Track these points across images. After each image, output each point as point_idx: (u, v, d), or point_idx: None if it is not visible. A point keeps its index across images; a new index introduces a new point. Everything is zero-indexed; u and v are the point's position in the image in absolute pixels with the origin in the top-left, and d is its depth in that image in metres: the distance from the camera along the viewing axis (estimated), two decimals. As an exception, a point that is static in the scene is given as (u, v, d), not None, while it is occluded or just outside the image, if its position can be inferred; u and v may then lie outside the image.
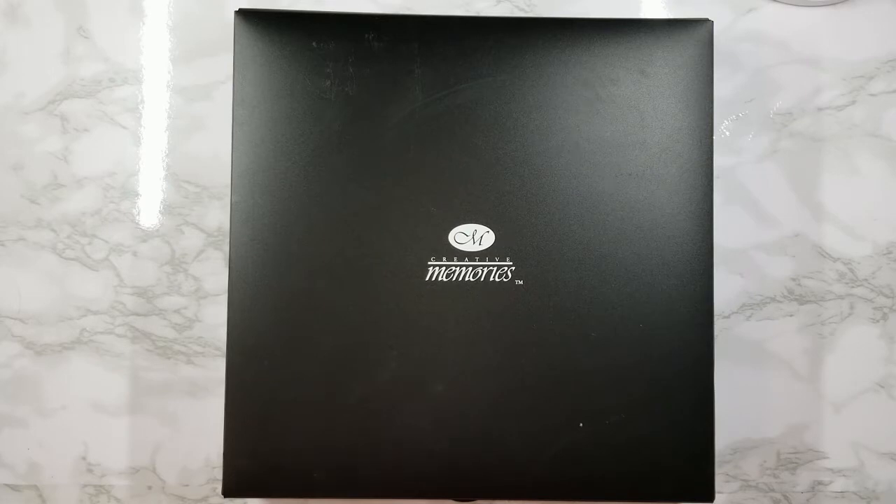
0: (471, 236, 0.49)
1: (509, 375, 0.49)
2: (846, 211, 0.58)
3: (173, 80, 0.58)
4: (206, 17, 0.58)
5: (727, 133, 0.58)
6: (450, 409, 0.49)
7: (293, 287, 0.49)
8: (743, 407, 0.57)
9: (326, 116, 0.49)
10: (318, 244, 0.49)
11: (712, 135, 0.50)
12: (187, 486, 0.57)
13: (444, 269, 0.49)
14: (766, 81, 0.58)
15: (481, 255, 0.49)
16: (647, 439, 0.49)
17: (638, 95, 0.50)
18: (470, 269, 0.49)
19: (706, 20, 0.50)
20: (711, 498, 0.49)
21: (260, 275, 0.49)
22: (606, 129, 0.50)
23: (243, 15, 0.50)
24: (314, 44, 0.50)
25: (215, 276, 0.57)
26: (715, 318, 0.54)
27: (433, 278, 0.49)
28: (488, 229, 0.49)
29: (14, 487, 0.57)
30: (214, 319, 0.57)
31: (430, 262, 0.49)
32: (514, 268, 0.49)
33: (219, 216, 0.57)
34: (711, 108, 0.50)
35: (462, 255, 0.49)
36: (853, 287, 0.58)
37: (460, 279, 0.49)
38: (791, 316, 0.57)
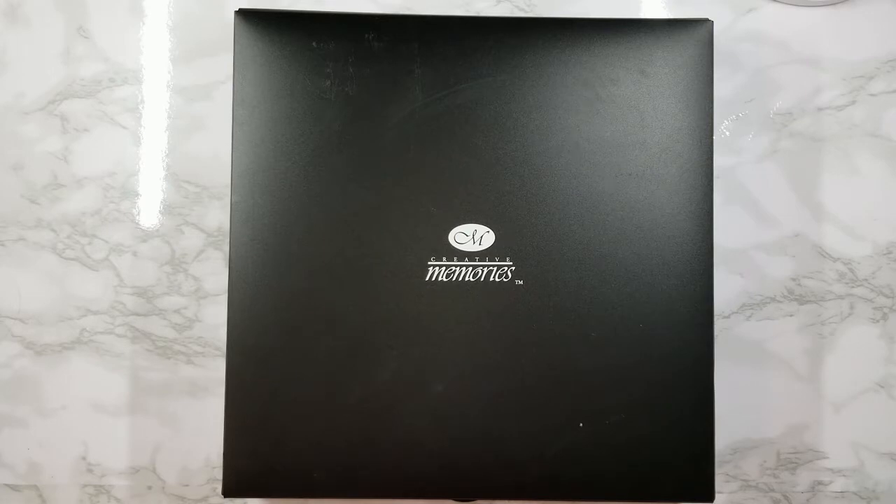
0: (471, 236, 0.49)
1: (509, 375, 0.49)
2: (846, 211, 0.58)
3: (173, 80, 0.58)
4: (206, 17, 0.58)
5: (727, 133, 0.58)
6: (450, 409, 0.49)
7: (293, 287, 0.49)
8: (743, 407, 0.57)
9: (326, 116, 0.49)
10: (318, 244, 0.49)
11: (712, 135, 0.50)
12: (187, 486, 0.57)
13: (444, 269, 0.49)
14: (766, 81, 0.58)
15: (481, 255, 0.49)
16: (647, 439, 0.49)
17: (638, 95, 0.50)
18: (470, 269, 0.49)
19: (706, 20, 0.50)
20: (711, 498, 0.49)
21: (260, 275, 0.49)
22: (606, 129, 0.50)
23: (243, 15, 0.50)
24: (314, 44, 0.50)
25: (215, 276, 0.57)
26: (715, 318, 0.54)
27: (433, 278, 0.49)
28: (488, 229, 0.49)
29: (14, 487, 0.57)
30: (214, 319, 0.57)
31: (430, 262, 0.49)
32: (514, 268, 0.49)
33: (219, 216, 0.57)
34: (711, 108, 0.50)
35: (462, 255, 0.49)
36: (853, 287, 0.58)
37: (460, 279, 0.49)
38: (791, 316, 0.57)
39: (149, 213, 0.58)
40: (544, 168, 0.50)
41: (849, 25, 0.58)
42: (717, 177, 0.57)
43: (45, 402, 0.57)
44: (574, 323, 0.49)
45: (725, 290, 0.57)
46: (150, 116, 0.58)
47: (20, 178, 0.58)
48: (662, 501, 0.49)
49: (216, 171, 0.57)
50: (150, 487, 0.57)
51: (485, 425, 0.49)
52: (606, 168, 0.50)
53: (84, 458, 0.57)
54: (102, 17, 0.58)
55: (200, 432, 0.57)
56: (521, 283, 0.49)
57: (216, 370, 0.57)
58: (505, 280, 0.49)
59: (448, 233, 0.49)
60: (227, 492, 0.49)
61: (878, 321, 0.58)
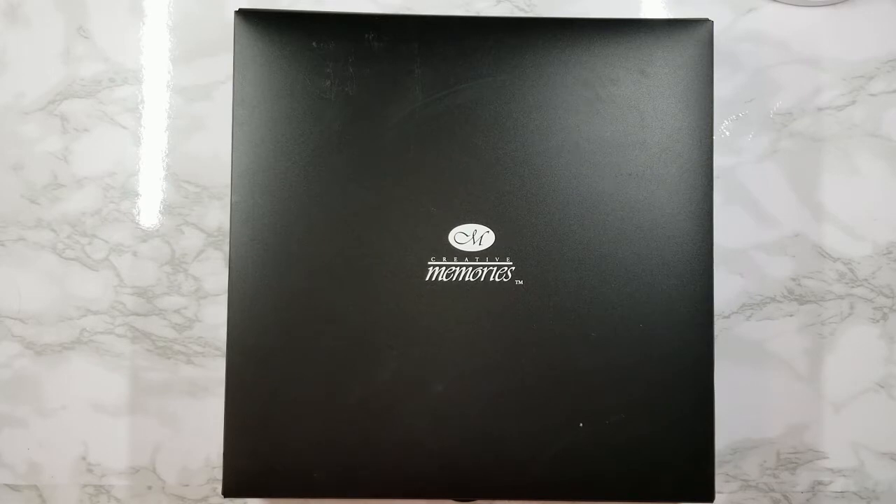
0: (471, 236, 0.49)
1: (509, 375, 0.49)
2: (846, 211, 0.58)
3: (173, 80, 0.58)
4: (206, 17, 0.58)
5: (727, 133, 0.58)
6: (450, 409, 0.49)
7: (293, 287, 0.49)
8: (743, 407, 0.57)
9: (326, 116, 0.49)
10: (318, 244, 0.49)
11: (712, 135, 0.50)
12: (187, 486, 0.57)
13: (444, 269, 0.49)
14: (766, 81, 0.58)
15: (481, 255, 0.49)
16: (647, 439, 0.49)
17: (638, 95, 0.50)
18: (470, 269, 0.49)
19: (706, 20, 0.50)
20: (711, 498, 0.49)
21: (260, 275, 0.49)
22: (606, 129, 0.50)
23: (243, 15, 0.50)
24: (314, 44, 0.50)
25: (215, 276, 0.57)
26: (715, 318, 0.54)
27: (433, 278, 0.49)
28: (488, 229, 0.49)
29: (14, 487, 0.57)
30: (214, 319, 0.57)
31: (430, 262, 0.49)
32: (514, 268, 0.49)
33: (219, 216, 0.57)
34: (711, 108, 0.50)
35: (462, 255, 0.49)
36: (853, 287, 0.58)
37: (460, 279, 0.49)
38: (791, 316, 0.57)
39: (149, 213, 0.58)
40: (544, 168, 0.50)
41: (849, 25, 0.58)
42: (717, 177, 0.57)
43: (45, 402, 0.57)
44: (574, 323, 0.49)
45: (725, 290, 0.57)
46: (150, 116, 0.58)
47: (20, 178, 0.58)
48: (662, 501, 0.49)
49: (216, 171, 0.57)
50: (150, 487, 0.57)
51: (485, 425, 0.49)
52: (606, 168, 0.50)
53: (84, 458, 0.57)
54: (102, 17, 0.58)
55: (200, 432, 0.57)
56: (521, 283, 0.49)
57: (216, 370, 0.57)
58: (505, 280, 0.49)
59: (448, 233, 0.49)
60: (227, 492, 0.49)
61: (878, 321, 0.58)
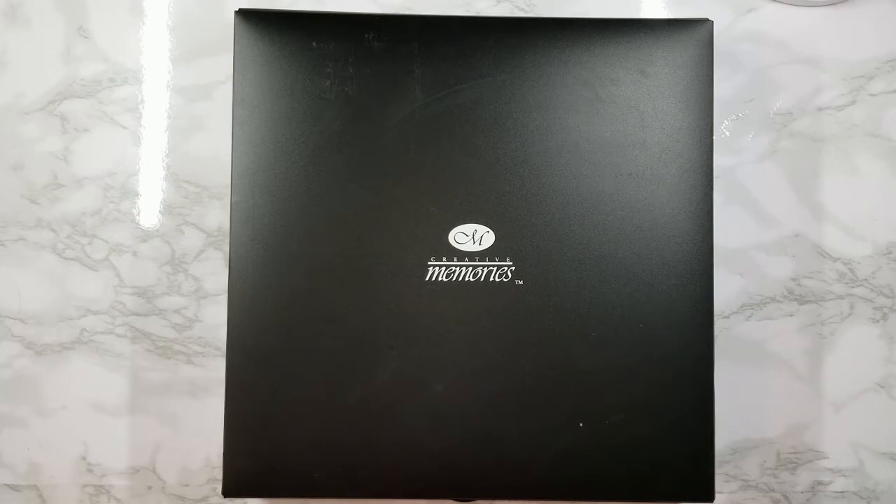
0: (471, 236, 0.49)
1: (509, 375, 0.49)
2: (846, 211, 0.58)
3: (173, 80, 0.58)
4: (206, 17, 0.58)
5: (727, 133, 0.58)
6: (450, 409, 0.49)
7: (293, 287, 0.49)
8: (743, 407, 0.57)
9: (326, 116, 0.49)
10: (318, 244, 0.49)
11: (712, 135, 0.50)
12: (187, 486, 0.57)
13: (444, 269, 0.49)
14: (766, 81, 0.58)
15: (481, 255, 0.49)
16: (647, 439, 0.49)
17: (638, 95, 0.50)
18: (470, 269, 0.49)
19: (706, 20, 0.50)
20: (711, 498, 0.49)
21: (260, 275, 0.49)
22: (606, 129, 0.50)
23: (243, 15, 0.50)
24: (314, 44, 0.50)
25: (215, 276, 0.57)
26: (715, 318, 0.54)
27: (433, 278, 0.49)
28: (488, 229, 0.49)
29: (14, 487, 0.57)
30: (214, 319, 0.57)
31: (430, 262, 0.49)
32: (514, 268, 0.49)
33: (219, 216, 0.57)
34: (711, 108, 0.50)
35: (462, 255, 0.49)
36: (853, 287, 0.58)
37: (460, 279, 0.49)
38: (791, 316, 0.57)
39: (149, 213, 0.58)
40: (544, 168, 0.50)
41: (849, 25, 0.58)
42: (717, 177, 0.57)
43: (45, 402, 0.57)
44: (574, 323, 0.49)
45: (725, 290, 0.57)
46: (150, 116, 0.58)
47: (20, 178, 0.58)
48: (662, 501, 0.49)
49: (216, 171, 0.57)
50: (150, 487, 0.57)
51: (485, 425, 0.49)
52: (606, 168, 0.50)
53: (84, 458, 0.57)
54: (102, 17, 0.58)
55: (200, 432, 0.57)
56: (521, 283, 0.49)
57: (216, 370, 0.57)
58: (505, 280, 0.49)
59: (448, 233, 0.49)
60: (227, 492, 0.49)
61: (878, 321, 0.58)
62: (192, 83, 0.58)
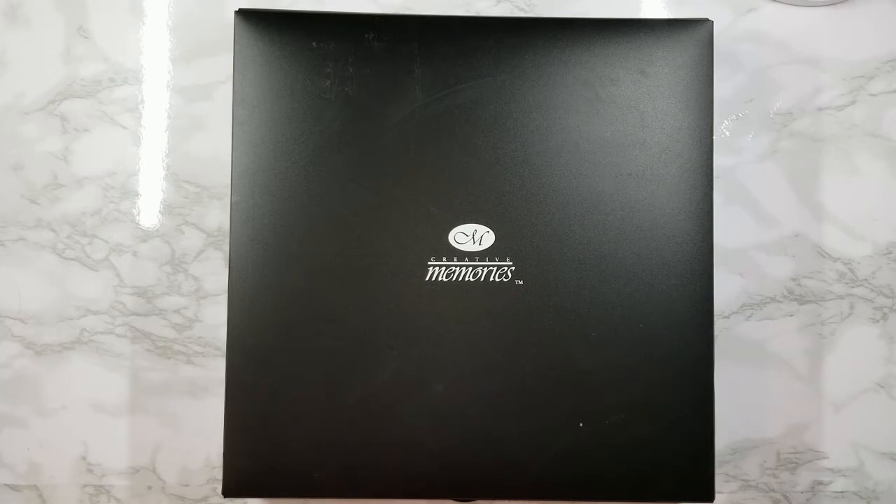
0: (471, 236, 0.49)
1: (509, 375, 0.49)
2: (846, 211, 0.58)
3: (173, 80, 0.58)
4: (206, 17, 0.58)
5: (727, 133, 0.58)
6: (450, 409, 0.49)
7: (293, 287, 0.49)
8: (743, 407, 0.57)
9: (326, 116, 0.49)
10: (318, 244, 0.49)
11: (712, 135, 0.50)
12: (187, 486, 0.57)
13: (444, 269, 0.49)
14: (766, 81, 0.58)
15: (481, 255, 0.49)
16: (647, 439, 0.49)
17: (638, 95, 0.50)
18: (470, 269, 0.49)
19: (706, 20, 0.50)
20: (711, 498, 0.49)
21: (260, 275, 0.49)
22: (606, 129, 0.50)
23: (243, 15, 0.50)
24: (314, 44, 0.50)
25: (215, 276, 0.57)
26: (715, 318, 0.54)
27: (433, 278, 0.49)
28: (488, 229, 0.49)
29: (14, 487, 0.57)
30: (214, 319, 0.57)
31: (430, 262, 0.49)
32: (514, 268, 0.49)
33: (219, 216, 0.57)
34: (711, 108, 0.50)
35: (462, 255, 0.49)
36: (853, 287, 0.58)
37: (460, 279, 0.49)
38: (791, 316, 0.57)
39: (149, 213, 0.58)
40: (544, 168, 0.50)
41: (849, 25, 0.58)
42: (717, 177, 0.57)
43: (45, 402, 0.57)
44: (574, 323, 0.49)
45: (725, 290, 0.57)
46: (150, 116, 0.58)
47: (20, 178, 0.58)
48: (662, 501, 0.49)
49: (216, 171, 0.57)
50: (150, 487, 0.57)
51: (485, 425, 0.49)
52: (606, 168, 0.50)
53: (84, 458, 0.57)
54: (102, 17, 0.58)
55: (200, 432, 0.57)
56: (521, 283, 0.49)
57: (216, 370, 0.57)
58: (505, 280, 0.49)
59: (448, 233, 0.49)
60: (227, 492, 0.49)
61: (878, 321, 0.58)
62: (192, 83, 0.58)
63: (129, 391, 0.57)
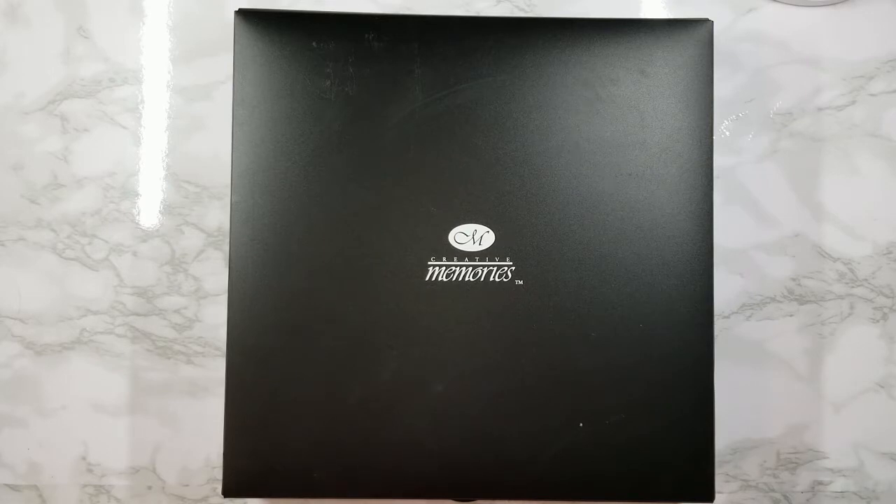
0: (471, 236, 0.49)
1: (509, 375, 0.49)
2: (846, 211, 0.58)
3: (173, 80, 0.58)
4: (206, 17, 0.58)
5: (727, 133, 0.58)
6: (450, 409, 0.49)
7: (293, 287, 0.49)
8: (743, 407, 0.57)
9: (326, 116, 0.49)
10: (318, 244, 0.49)
11: (712, 135, 0.50)
12: (187, 486, 0.57)
13: (444, 269, 0.49)
14: (766, 81, 0.58)
15: (481, 255, 0.49)
16: (647, 439, 0.49)
17: (638, 95, 0.50)
18: (470, 269, 0.49)
19: (706, 20, 0.50)
20: (711, 498, 0.49)
21: (260, 275, 0.49)
22: (606, 129, 0.50)
23: (243, 15, 0.50)
24: (314, 44, 0.50)
25: (215, 276, 0.57)
26: (715, 318, 0.54)
27: (433, 278, 0.49)
28: (488, 229, 0.49)
29: (14, 487, 0.57)
30: (214, 319, 0.57)
31: (430, 262, 0.49)
32: (514, 268, 0.49)
33: (219, 216, 0.57)
34: (711, 108, 0.50)
35: (462, 255, 0.49)
36: (853, 287, 0.58)
37: (460, 279, 0.49)
38: (791, 316, 0.57)
39: (149, 213, 0.58)
40: (544, 168, 0.50)
41: (849, 25, 0.58)
42: (717, 177, 0.57)
43: (45, 402, 0.57)
44: (574, 323, 0.49)
45: (725, 290, 0.57)
46: (150, 116, 0.58)
47: (20, 178, 0.58)
48: (662, 501, 0.49)
49: (216, 171, 0.57)
50: (150, 487, 0.57)
51: (485, 425, 0.49)
52: (606, 168, 0.50)
53: (84, 458, 0.57)
54: (102, 17, 0.58)
55: (200, 432, 0.57)
56: (521, 283, 0.49)
57: (216, 370, 0.57)
58: (505, 280, 0.49)
59: (448, 233, 0.49)
60: (227, 492, 0.49)
61: (878, 321, 0.58)
62: (192, 83, 0.58)
63: (129, 391, 0.57)
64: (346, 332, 0.49)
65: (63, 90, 0.58)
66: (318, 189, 0.49)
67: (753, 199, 0.58)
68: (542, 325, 0.49)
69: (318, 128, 0.49)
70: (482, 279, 0.49)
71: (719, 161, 0.56)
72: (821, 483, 0.57)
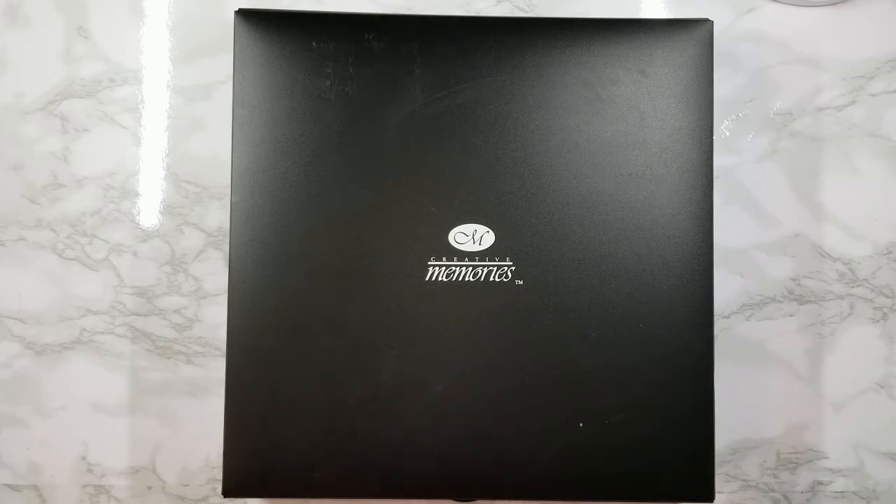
0: (471, 236, 0.49)
1: (509, 375, 0.49)
2: (846, 211, 0.58)
3: (173, 80, 0.58)
4: (206, 17, 0.58)
5: (727, 133, 0.58)
6: (450, 409, 0.49)
7: (293, 287, 0.49)
8: (743, 407, 0.57)
9: (326, 116, 0.49)
10: (318, 244, 0.49)
11: (712, 135, 0.50)
12: (187, 486, 0.57)
13: (444, 269, 0.49)
14: (766, 81, 0.58)
15: (481, 255, 0.49)
16: (647, 439, 0.49)
17: (638, 95, 0.50)
18: (470, 269, 0.49)
19: (706, 20, 0.50)
20: (711, 498, 0.49)
21: (260, 275, 0.49)
22: (606, 129, 0.50)
23: (243, 15, 0.50)
24: (314, 44, 0.50)
25: (215, 276, 0.57)
26: (715, 318, 0.54)
27: (433, 278, 0.49)
28: (488, 229, 0.49)
29: (14, 487, 0.57)
30: (214, 319, 0.57)
31: (430, 262, 0.49)
32: (514, 268, 0.49)
33: (219, 216, 0.57)
34: (711, 108, 0.50)
35: (462, 255, 0.49)
36: (853, 287, 0.58)
37: (460, 279, 0.49)
38: (791, 316, 0.57)
39: (149, 213, 0.58)
40: (544, 168, 0.50)
41: (849, 25, 0.58)
42: (717, 177, 0.57)
43: (45, 402, 0.57)
44: (574, 323, 0.49)
45: (725, 290, 0.57)
46: (150, 116, 0.58)
47: (20, 178, 0.58)
48: (662, 501, 0.49)
49: (216, 171, 0.57)
50: (150, 487, 0.57)
51: (485, 425, 0.49)
52: (606, 168, 0.50)
53: (84, 458, 0.57)
54: (102, 17, 0.58)
55: (200, 432, 0.57)
56: (521, 283, 0.49)
57: (216, 370, 0.57)
58: (505, 280, 0.49)
59: (448, 233, 0.49)
60: (227, 492, 0.49)
61: (878, 321, 0.58)
62: (192, 83, 0.58)
63: (129, 391, 0.57)
64: (346, 332, 0.49)
65: (63, 90, 0.58)
66: (318, 189, 0.49)
67: (753, 199, 0.58)
68: (542, 325, 0.49)
69: (318, 128, 0.49)
70: (482, 279, 0.49)
71: (719, 161, 0.56)
72: (821, 483, 0.57)
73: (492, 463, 0.49)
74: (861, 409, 0.58)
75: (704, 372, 0.49)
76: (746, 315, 0.57)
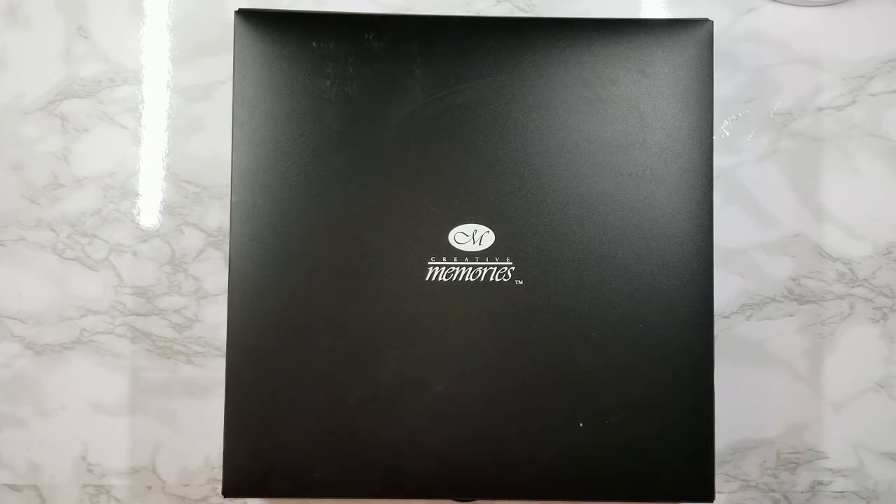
0: (471, 236, 0.49)
1: (509, 375, 0.49)
2: (846, 211, 0.58)
3: (173, 80, 0.58)
4: (206, 17, 0.58)
5: (727, 133, 0.58)
6: (450, 409, 0.49)
7: (293, 287, 0.49)
8: (743, 407, 0.57)
9: (326, 116, 0.49)
10: (318, 244, 0.49)
11: (712, 135, 0.50)
12: (187, 486, 0.57)
13: (444, 269, 0.49)
14: (766, 81, 0.58)
15: (481, 255, 0.49)
16: (647, 439, 0.49)
17: (638, 95, 0.50)
18: (470, 269, 0.49)
19: (706, 20, 0.50)
20: (711, 498, 0.49)
21: (260, 275, 0.49)
22: (606, 129, 0.50)
23: (243, 15, 0.50)
24: (314, 44, 0.50)
25: (215, 276, 0.57)
26: (715, 318, 0.54)
27: (433, 278, 0.49)
28: (488, 229, 0.49)
29: (14, 487, 0.57)
30: (214, 319, 0.57)
31: (430, 262, 0.49)
32: (514, 268, 0.49)
33: (219, 216, 0.57)
34: (711, 108, 0.50)
35: (462, 255, 0.49)
36: (853, 287, 0.58)
37: (460, 279, 0.49)
38: (791, 316, 0.57)
39: (149, 213, 0.58)
40: (544, 168, 0.50)
41: (849, 25, 0.58)
42: (717, 177, 0.57)
43: (45, 402, 0.57)
44: (574, 323, 0.49)
45: (725, 290, 0.57)
46: (150, 116, 0.58)
47: (20, 178, 0.58)
48: (662, 501, 0.49)
49: (216, 171, 0.57)
50: (150, 487, 0.57)
51: (485, 425, 0.49)
52: (606, 168, 0.50)
53: (84, 458, 0.57)
54: (102, 17, 0.58)
55: (200, 432, 0.57)
56: (521, 283, 0.49)
57: (216, 370, 0.57)
58: (505, 280, 0.49)
59: (448, 233, 0.49)
60: (227, 492, 0.49)
61: (878, 321, 0.58)
62: (192, 83, 0.58)
63: (129, 391, 0.57)
64: (346, 332, 0.49)
65: (63, 90, 0.58)
66: (318, 189, 0.49)
67: (753, 199, 0.58)
68: (542, 325, 0.49)
69: (318, 128, 0.49)
70: (482, 279, 0.49)
71: (719, 161, 0.56)
72: (821, 483, 0.57)
73: (492, 463, 0.49)
74: (861, 409, 0.58)
75: (704, 372, 0.49)
76: (746, 315, 0.57)
